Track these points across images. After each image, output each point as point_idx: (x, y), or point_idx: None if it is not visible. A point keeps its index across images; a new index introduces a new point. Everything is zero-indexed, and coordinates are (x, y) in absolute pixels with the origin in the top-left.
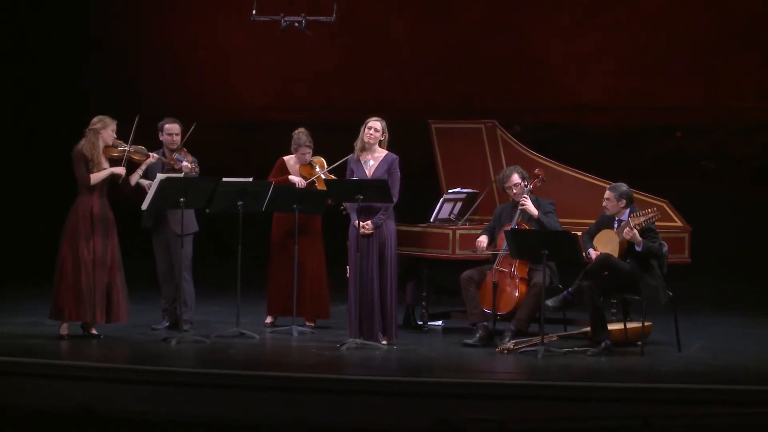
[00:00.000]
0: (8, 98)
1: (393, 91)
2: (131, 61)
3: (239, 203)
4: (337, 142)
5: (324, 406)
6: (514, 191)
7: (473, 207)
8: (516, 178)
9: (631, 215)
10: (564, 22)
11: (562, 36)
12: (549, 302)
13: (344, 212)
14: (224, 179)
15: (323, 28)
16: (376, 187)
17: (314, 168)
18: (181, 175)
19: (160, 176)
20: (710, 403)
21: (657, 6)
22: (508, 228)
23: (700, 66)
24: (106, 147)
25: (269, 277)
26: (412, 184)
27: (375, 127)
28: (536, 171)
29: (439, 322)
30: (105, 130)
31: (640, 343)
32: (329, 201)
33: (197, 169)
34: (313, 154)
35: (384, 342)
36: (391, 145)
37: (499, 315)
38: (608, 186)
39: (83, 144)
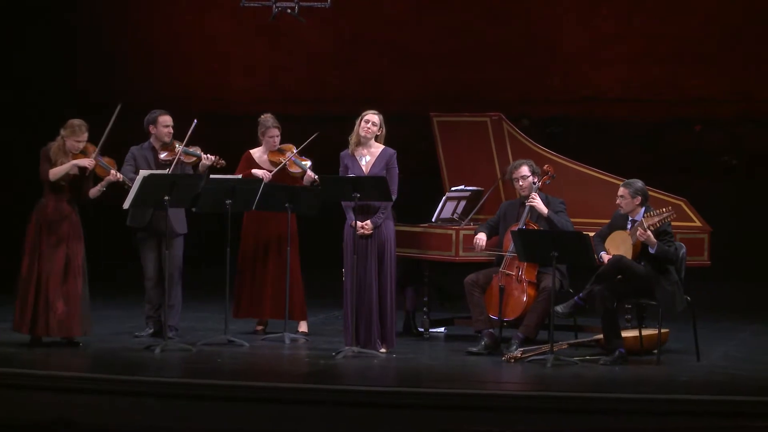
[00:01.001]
0: None
1: (391, 82)
2: (115, 51)
3: (227, 202)
4: (331, 136)
5: (318, 418)
6: (521, 184)
7: (478, 206)
8: (525, 170)
9: (645, 215)
10: (576, 7)
11: (573, 22)
12: (559, 308)
13: (317, 186)
14: (212, 176)
15: (317, 13)
16: (374, 184)
17: (284, 153)
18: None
19: (143, 172)
20: (732, 416)
21: None
22: (516, 228)
23: (722, 55)
24: (74, 156)
25: (239, 276)
26: (412, 182)
27: (372, 120)
28: (545, 167)
29: (442, 329)
30: (69, 140)
31: (656, 351)
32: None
33: (218, 158)
34: (303, 150)
35: (382, 350)
36: (390, 139)
37: (506, 321)
38: (622, 183)
39: (52, 144)
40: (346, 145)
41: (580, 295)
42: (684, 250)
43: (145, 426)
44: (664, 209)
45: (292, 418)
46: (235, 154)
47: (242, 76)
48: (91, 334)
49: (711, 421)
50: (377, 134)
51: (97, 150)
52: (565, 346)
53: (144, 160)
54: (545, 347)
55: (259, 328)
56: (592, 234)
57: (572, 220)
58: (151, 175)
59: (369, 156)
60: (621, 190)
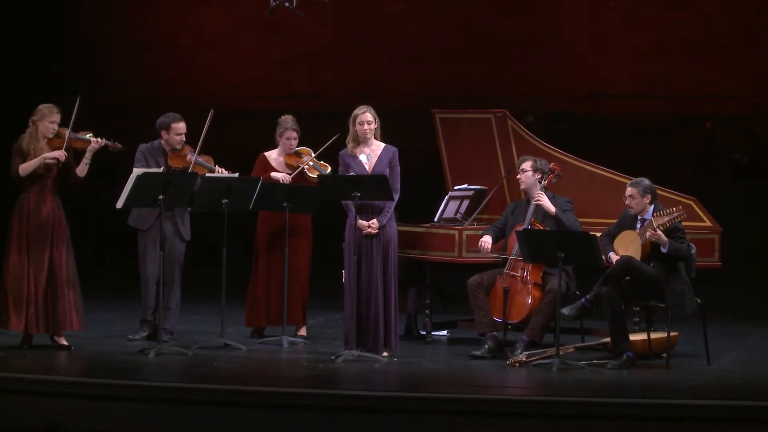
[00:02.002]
0: None
1: (392, 77)
2: (106, 45)
3: (224, 201)
4: (329, 134)
5: (318, 424)
6: (519, 177)
7: (481, 205)
8: (526, 164)
9: (655, 214)
10: (583, 0)
11: (580, 15)
12: (565, 310)
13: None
14: (207, 175)
15: (314, 7)
16: (375, 183)
17: (301, 156)
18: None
19: (136, 171)
20: (743, 421)
21: None
22: (521, 228)
23: (734, 49)
24: (49, 140)
25: (253, 282)
26: (414, 180)
27: (367, 119)
28: (552, 166)
29: (444, 332)
30: (42, 123)
31: (665, 355)
32: None
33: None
34: (299, 146)
35: (384, 354)
36: (390, 137)
37: (510, 324)
38: (629, 182)
39: (23, 136)
40: (344, 143)
41: (587, 296)
42: (694, 250)
43: None
44: (674, 209)
45: (291, 423)
46: (231, 151)
47: (238, 72)
48: (83, 329)
49: (722, 427)
50: (375, 129)
51: (68, 130)
52: (572, 350)
53: (155, 161)
54: (551, 351)
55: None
56: (599, 234)
57: (579, 220)
58: (145, 173)
59: (371, 154)
60: (629, 190)
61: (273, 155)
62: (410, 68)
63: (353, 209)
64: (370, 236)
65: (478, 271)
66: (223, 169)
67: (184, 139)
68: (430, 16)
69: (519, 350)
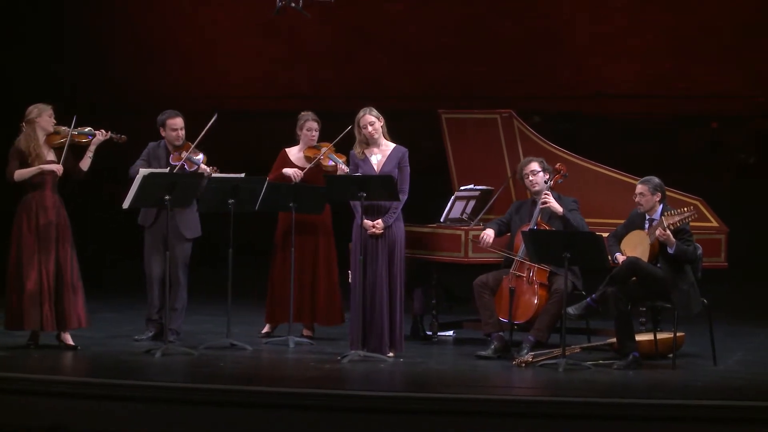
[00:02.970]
0: None
1: (392, 77)
2: (108, 46)
3: (230, 201)
4: (329, 134)
5: (323, 424)
6: (531, 179)
7: (488, 205)
8: (535, 165)
9: (664, 214)
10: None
11: (585, 14)
12: (571, 310)
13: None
14: (214, 175)
15: (316, 7)
16: (380, 183)
17: (320, 149)
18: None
19: (142, 171)
20: (749, 422)
21: None
22: (527, 228)
23: (735, 49)
24: (49, 136)
25: (272, 280)
26: (419, 181)
27: (369, 121)
28: (557, 166)
29: (450, 333)
30: (41, 118)
31: (671, 355)
32: None
33: (216, 169)
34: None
35: (390, 354)
36: (393, 137)
37: (517, 324)
38: (638, 181)
39: (19, 138)
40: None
41: (593, 296)
42: (701, 250)
43: None
44: (685, 209)
45: (297, 423)
46: (231, 151)
47: (238, 72)
48: (89, 326)
49: (729, 428)
50: (381, 128)
51: (70, 128)
52: (578, 350)
53: (156, 160)
54: (557, 351)
55: (267, 329)
56: (605, 235)
57: (585, 220)
58: (151, 174)
59: (380, 155)
60: (639, 188)
61: (293, 151)
62: (410, 68)
63: (360, 209)
64: (375, 236)
65: (485, 271)
66: (209, 168)
67: (182, 134)
68: (430, 16)
69: (525, 350)
